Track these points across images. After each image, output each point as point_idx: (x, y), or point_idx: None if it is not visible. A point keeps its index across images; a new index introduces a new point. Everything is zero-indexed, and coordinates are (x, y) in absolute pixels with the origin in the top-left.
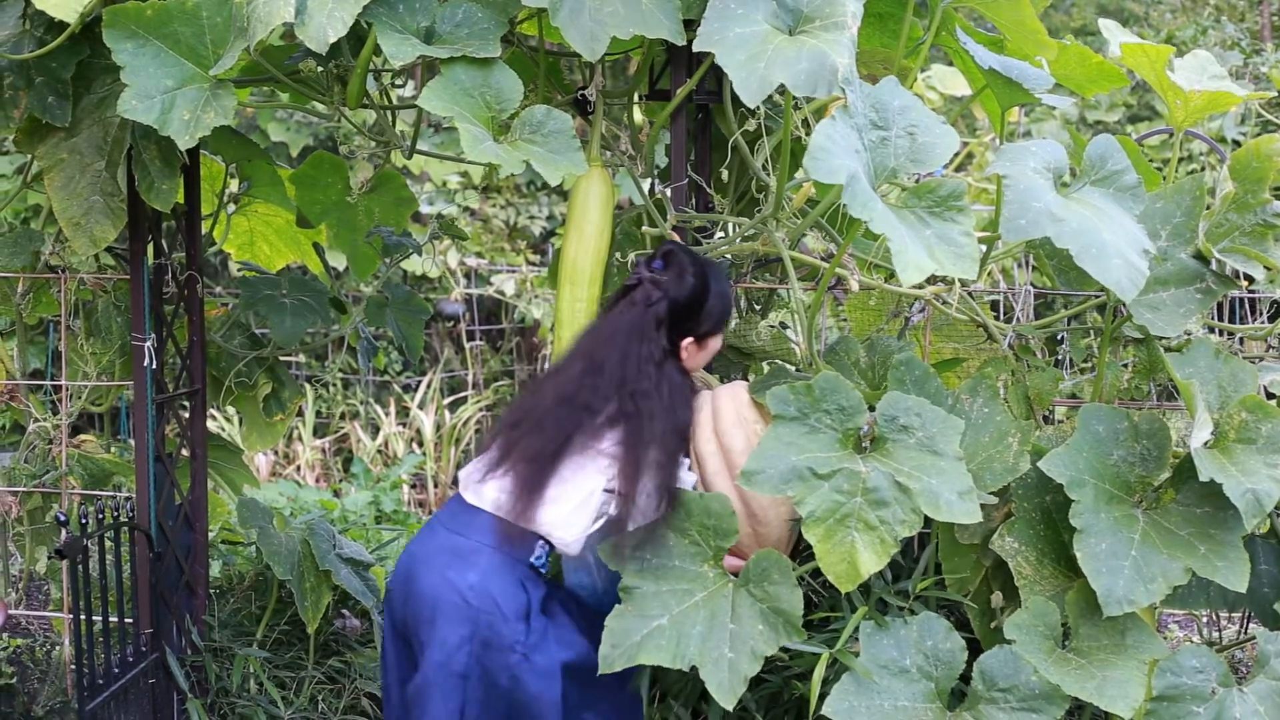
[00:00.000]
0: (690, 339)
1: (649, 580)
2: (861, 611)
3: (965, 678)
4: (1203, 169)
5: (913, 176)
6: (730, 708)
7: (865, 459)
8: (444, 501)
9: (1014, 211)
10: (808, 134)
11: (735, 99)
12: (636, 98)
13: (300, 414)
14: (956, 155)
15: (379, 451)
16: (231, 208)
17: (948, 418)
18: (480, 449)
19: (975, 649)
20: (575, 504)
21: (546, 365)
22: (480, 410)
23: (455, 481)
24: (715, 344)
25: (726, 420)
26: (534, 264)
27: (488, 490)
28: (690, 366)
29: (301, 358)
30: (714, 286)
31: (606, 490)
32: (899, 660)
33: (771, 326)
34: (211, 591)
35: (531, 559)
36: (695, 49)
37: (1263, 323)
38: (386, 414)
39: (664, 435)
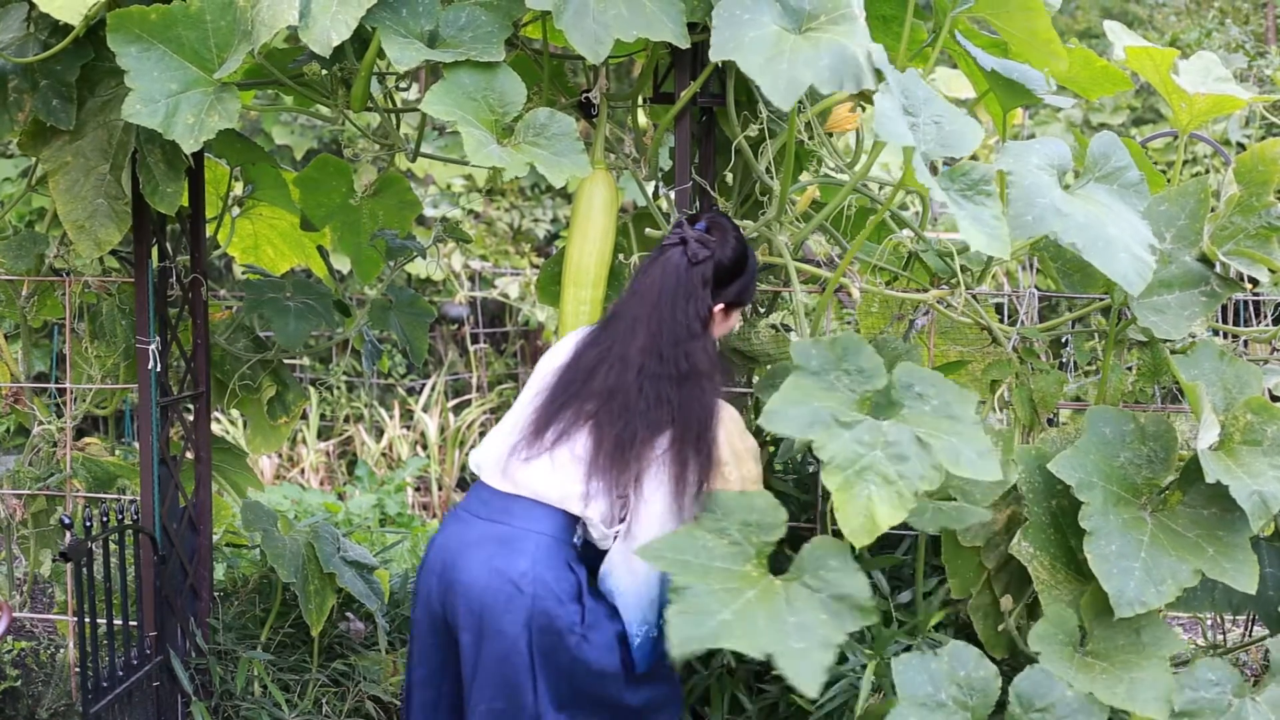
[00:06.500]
0: (721, 305)
1: (698, 579)
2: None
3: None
4: (1207, 172)
5: (942, 162)
6: (814, 695)
7: (882, 421)
8: (449, 500)
9: (1019, 208)
10: (810, 138)
11: (738, 102)
12: (640, 100)
13: (304, 417)
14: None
15: (383, 454)
16: (236, 211)
17: (963, 390)
18: (512, 433)
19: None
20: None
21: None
22: (484, 413)
23: (461, 476)
24: (734, 320)
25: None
26: (538, 267)
27: (525, 475)
28: (714, 335)
29: (306, 361)
30: (751, 254)
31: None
32: (934, 695)
33: (773, 328)
34: (216, 594)
35: (574, 539)
36: (713, 59)
37: (1267, 325)
38: (390, 417)
39: (717, 396)
